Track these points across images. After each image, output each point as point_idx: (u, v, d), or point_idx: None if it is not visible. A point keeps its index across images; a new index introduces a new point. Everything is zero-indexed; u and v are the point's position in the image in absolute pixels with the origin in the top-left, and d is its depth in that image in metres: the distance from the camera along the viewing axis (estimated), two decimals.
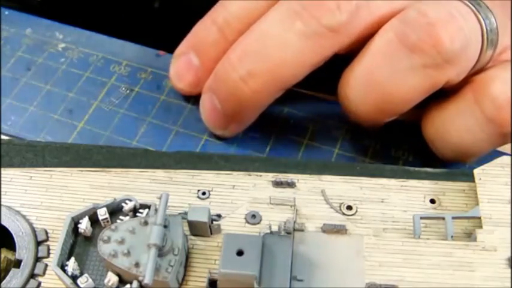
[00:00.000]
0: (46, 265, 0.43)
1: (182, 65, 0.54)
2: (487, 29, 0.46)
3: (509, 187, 0.44)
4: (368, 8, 0.47)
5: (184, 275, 0.42)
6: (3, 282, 0.42)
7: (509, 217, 0.43)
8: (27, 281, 0.42)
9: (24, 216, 0.45)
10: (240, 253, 0.40)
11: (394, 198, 0.46)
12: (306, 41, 0.47)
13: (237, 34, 0.49)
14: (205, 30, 0.52)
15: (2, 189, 0.46)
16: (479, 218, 0.43)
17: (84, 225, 0.43)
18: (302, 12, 0.47)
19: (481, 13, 0.46)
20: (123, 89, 0.58)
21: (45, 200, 0.46)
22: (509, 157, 0.46)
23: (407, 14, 0.46)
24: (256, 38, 0.48)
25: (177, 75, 0.55)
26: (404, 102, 0.47)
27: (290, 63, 0.47)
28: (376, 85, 0.47)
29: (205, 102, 0.52)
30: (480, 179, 0.45)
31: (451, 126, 0.48)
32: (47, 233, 0.45)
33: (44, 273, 0.43)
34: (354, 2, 0.46)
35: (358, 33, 0.48)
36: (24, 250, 0.43)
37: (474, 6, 0.46)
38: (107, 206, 0.43)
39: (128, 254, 0.40)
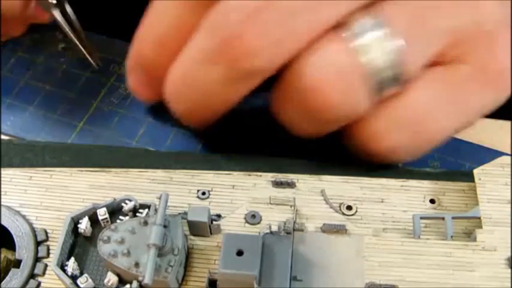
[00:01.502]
0: (46, 265, 0.43)
1: (135, 82, 0.53)
2: (371, 72, 0.42)
3: (509, 187, 0.44)
4: (291, 41, 0.43)
5: (184, 275, 0.42)
6: (3, 282, 0.42)
7: (509, 217, 0.43)
8: (27, 281, 0.42)
9: (24, 216, 0.45)
10: (239, 253, 0.40)
11: (394, 198, 0.46)
12: (227, 86, 0.45)
13: (171, 51, 0.48)
14: (145, 46, 0.50)
15: (2, 189, 0.46)
16: (479, 218, 0.43)
17: (84, 225, 0.43)
18: (222, 55, 0.44)
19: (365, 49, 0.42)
20: (123, 89, 0.58)
21: (45, 200, 0.46)
22: (509, 157, 0.46)
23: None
24: (180, 74, 0.47)
25: (135, 92, 0.54)
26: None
27: (214, 106, 0.47)
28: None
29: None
30: (480, 179, 0.45)
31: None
32: (46, 233, 0.45)
33: (44, 273, 0.43)
34: (274, 35, 0.42)
35: (283, 63, 0.44)
36: (24, 250, 0.43)
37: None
38: (107, 206, 0.43)
39: (128, 254, 0.40)
